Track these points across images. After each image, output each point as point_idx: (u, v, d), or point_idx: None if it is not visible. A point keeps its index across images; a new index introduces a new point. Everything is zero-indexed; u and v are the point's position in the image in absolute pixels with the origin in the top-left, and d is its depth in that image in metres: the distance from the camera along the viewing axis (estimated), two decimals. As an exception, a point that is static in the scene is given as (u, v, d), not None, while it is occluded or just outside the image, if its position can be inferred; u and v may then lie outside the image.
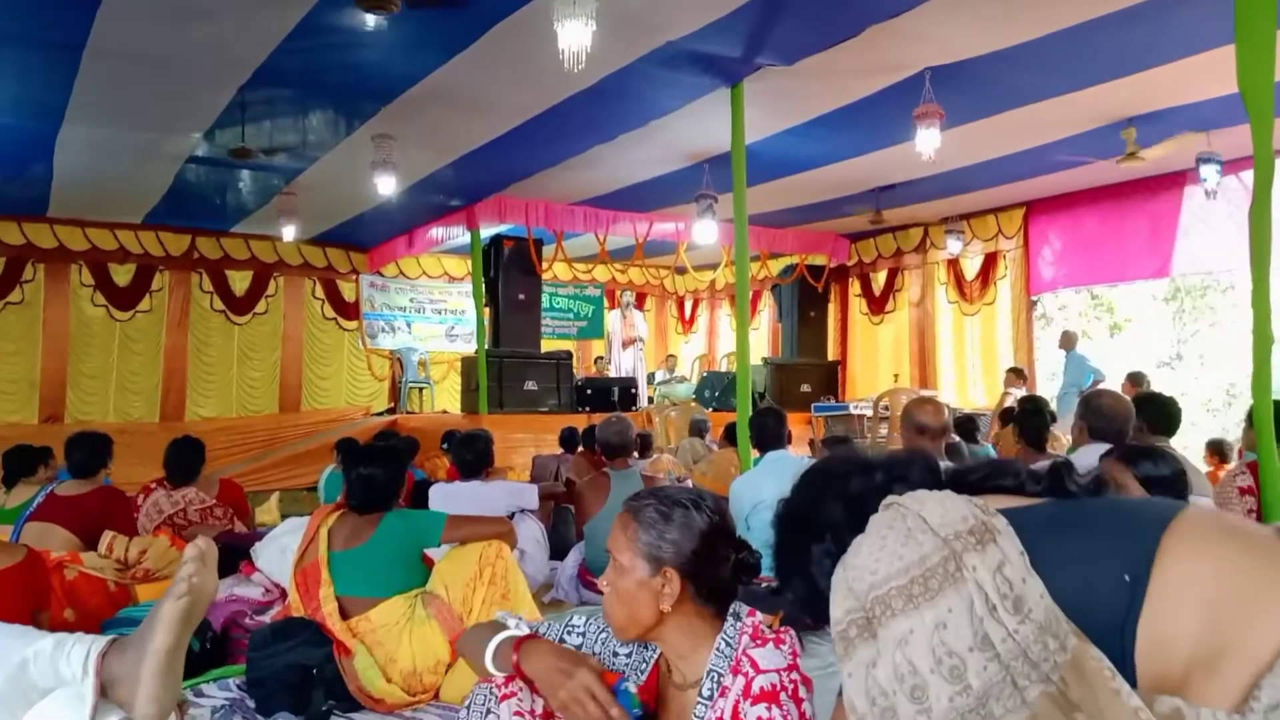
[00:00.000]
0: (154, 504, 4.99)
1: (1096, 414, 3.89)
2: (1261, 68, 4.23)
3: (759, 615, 1.77)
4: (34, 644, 1.80)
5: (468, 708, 1.83)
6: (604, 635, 1.92)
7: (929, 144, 6.97)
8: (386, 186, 8.61)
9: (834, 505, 1.36)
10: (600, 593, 1.87)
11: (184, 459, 5.11)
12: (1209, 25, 5.87)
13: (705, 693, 1.68)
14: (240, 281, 13.38)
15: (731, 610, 1.78)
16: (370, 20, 5.78)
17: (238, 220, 12.13)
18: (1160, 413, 4.29)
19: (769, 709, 1.59)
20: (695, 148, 8.89)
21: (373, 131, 8.16)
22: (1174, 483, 2.55)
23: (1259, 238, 4.21)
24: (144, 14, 5.76)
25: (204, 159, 9.06)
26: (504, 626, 1.92)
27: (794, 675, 1.66)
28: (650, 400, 13.61)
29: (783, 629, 1.76)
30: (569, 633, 1.94)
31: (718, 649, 1.72)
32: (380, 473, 3.29)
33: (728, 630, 1.74)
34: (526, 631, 1.89)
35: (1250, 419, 4.43)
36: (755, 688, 1.62)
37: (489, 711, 1.80)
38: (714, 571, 1.77)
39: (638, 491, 1.90)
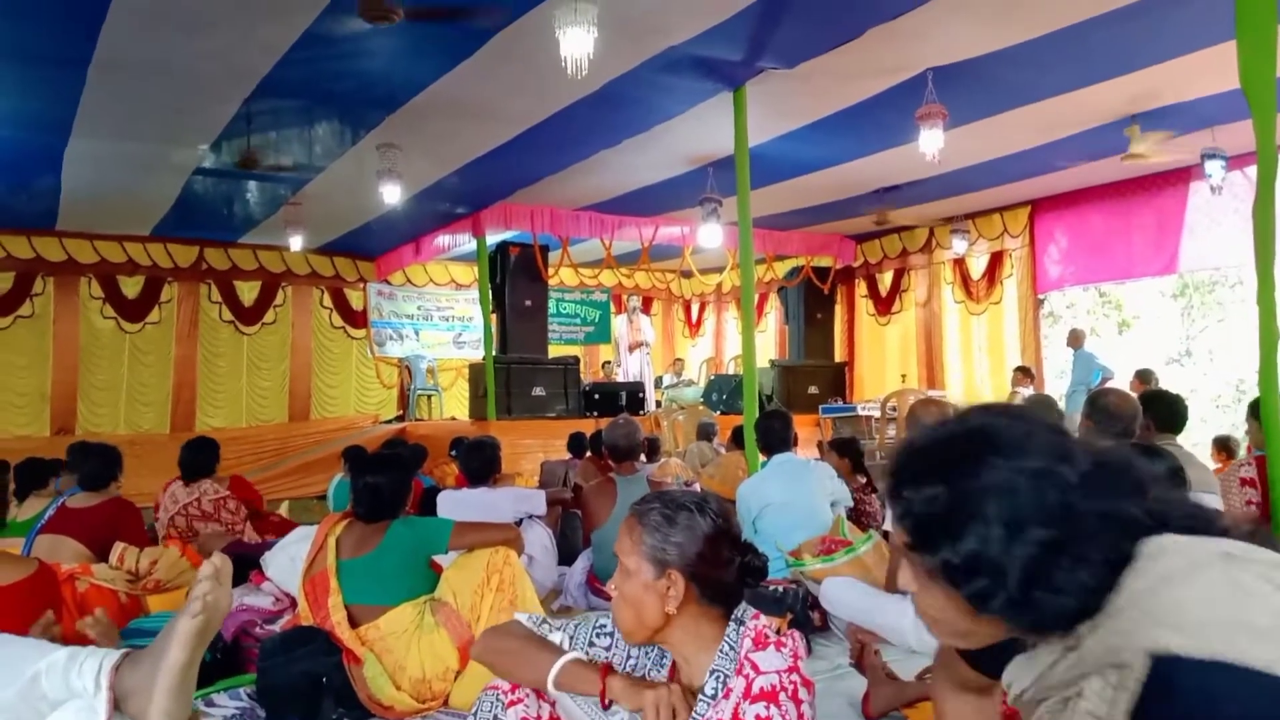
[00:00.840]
0: (171, 495, 5.38)
1: (1102, 413, 3.88)
2: (1263, 63, 4.22)
3: (763, 619, 1.78)
4: (47, 657, 1.82)
5: (474, 714, 1.85)
6: None
7: (932, 144, 6.97)
8: (392, 195, 8.64)
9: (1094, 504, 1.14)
10: (608, 599, 1.88)
11: (198, 458, 5.47)
12: (1210, 21, 5.86)
13: (709, 691, 1.70)
14: (248, 292, 13.45)
15: (735, 615, 1.79)
16: (373, 30, 5.80)
17: (245, 231, 12.20)
18: (1167, 410, 4.27)
19: (768, 708, 1.61)
20: (699, 151, 8.90)
21: (378, 141, 8.20)
22: (1169, 480, 2.53)
23: (1263, 234, 4.20)
24: (149, 27, 5.80)
25: (211, 170, 9.12)
26: (537, 635, 1.95)
27: (794, 677, 1.67)
28: (658, 404, 13.62)
29: (788, 632, 1.77)
30: (599, 634, 1.96)
31: (721, 651, 1.73)
32: (386, 481, 3.30)
33: (730, 634, 1.75)
34: (561, 638, 1.92)
35: (1254, 415, 4.41)
36: (755, 688, 1.64)
37: (496, 718, 1.82)
38: (718, 574, 1.78)
39: (643, 495, 1.91)
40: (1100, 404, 3.95)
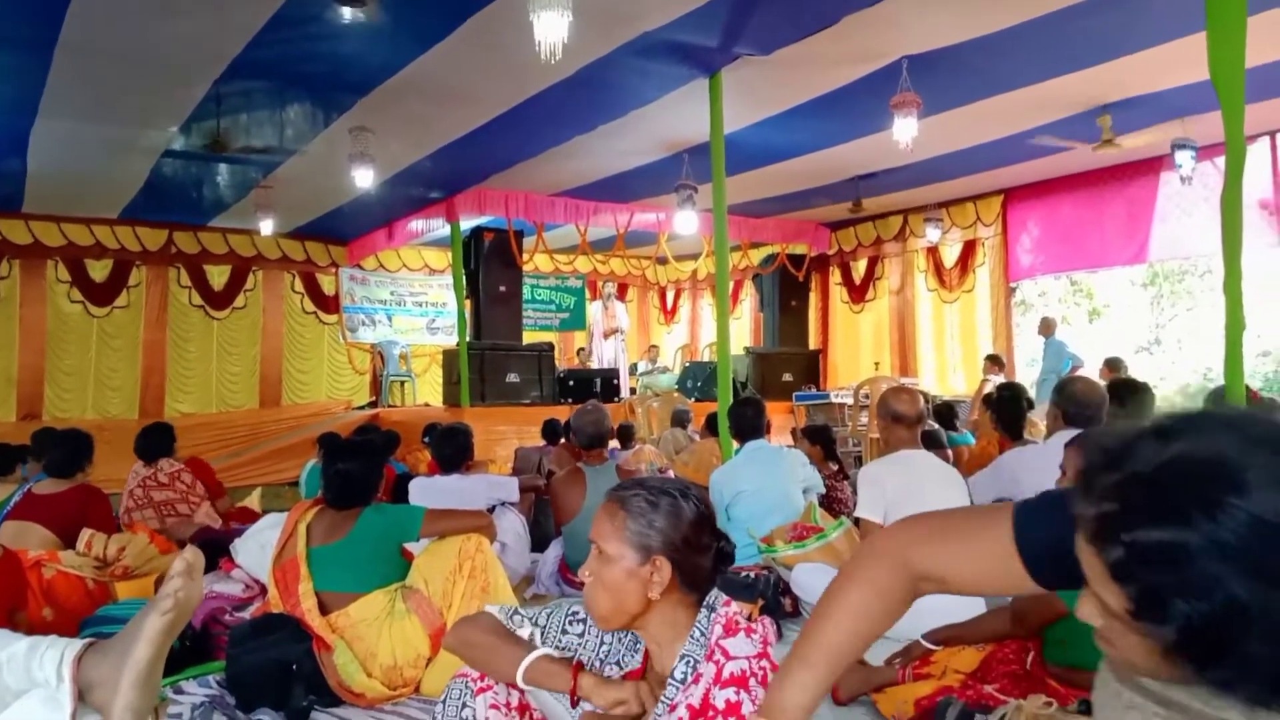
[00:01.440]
0: (134, 473, 5.61)
1: (1070, 400, 3.93)
2: (1232, 55, 4.27)
3: (734, 606, 1.79)
4: (7, 648, 1.81)
5: (444, 702, 1.85)
6: None
7: (906, 132, 7.00)
8: (364, 179, 8.58)
9: None
10: (580, 588, 1.88)
11: (153, 442, 5.65)
12: (1181, 13, 5.91)
13: (678, 675, 1.70)
14: (219, 276, 13.32)
15: (707, 602, 1.80)
16: (345, 12, 5.75)
17: (215, 214, 12.07)
18: (1134, 398, 4.33)
19: (737, 693, 1.62)
20: (674, 138, 8.89)
21: (350, 124, 8.13)
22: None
23: (1230, 223, 4.26)
24: (116, 7, 5.72)
25: (180, 153, 9.01)
26: (506, 630, 1.94)
27: (764, 663, 1.68)
28: (632, 391, 13.62)
29: (758, 619, 1.77)
30: (570, 621, 1.96)
31: (691, 636, 1.74)
32: (357, 468, 3.29)
33: (701, 620, 1.76)
34: (531, 631, 1.92)
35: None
36: (725, 673, 1.64)
37: (465, 705, 1.82)
38: (699, 560, 1.79)
39: (622, 481, 1.91)
40: (1068, 392, 4.00)
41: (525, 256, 11.94)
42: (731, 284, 14.10)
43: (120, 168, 9.53)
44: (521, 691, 1.87)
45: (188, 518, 5.44)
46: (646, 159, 9.66)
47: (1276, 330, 15.26)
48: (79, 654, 1.78)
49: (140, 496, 5.47)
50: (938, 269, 12.68)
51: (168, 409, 12.59)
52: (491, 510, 4.83)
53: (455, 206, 10.77)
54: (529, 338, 12.87)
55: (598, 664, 1.92)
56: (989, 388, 9.13)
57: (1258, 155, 8.84)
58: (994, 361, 10.62)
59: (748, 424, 5.02)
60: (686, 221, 10.20)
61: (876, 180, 10.68)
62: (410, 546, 3.46)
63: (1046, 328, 10.86)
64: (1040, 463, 3.68)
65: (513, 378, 11.35)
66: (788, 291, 13.75)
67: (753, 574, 4.26)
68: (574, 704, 1.81)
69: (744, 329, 15.80)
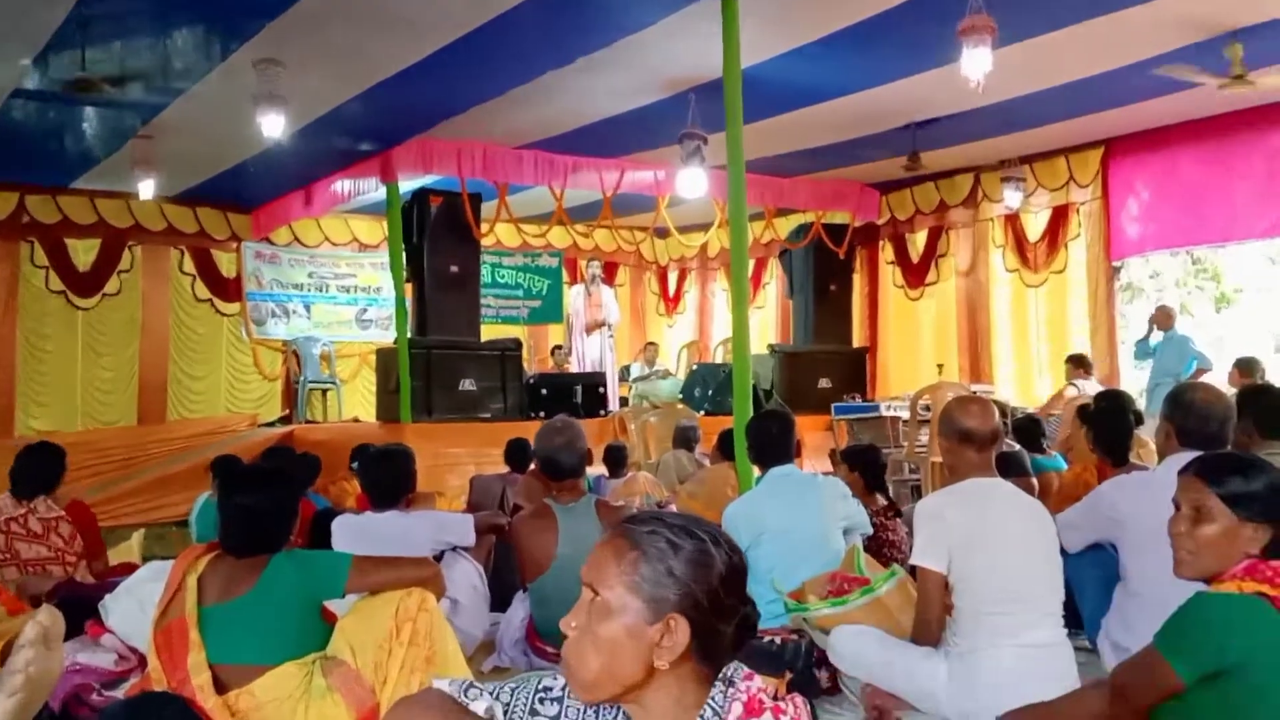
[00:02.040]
0: None
1: (1186, 413, 3.92)
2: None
3: (758, 680, 1.79)
4: None
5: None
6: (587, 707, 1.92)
7: (978, 66, 7.02)
8: (274, 127, 8.60)
9: None
10: (556, 661, 1.89)
11: (36, 469, 5.49)
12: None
13: None
14: (85, 253, 13.34)
15: (723, 675, 1.79)
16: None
17: (80, 173, 12.11)
18: (1272, 411, 4.34)
19: (765, 788, 1.62)
20: (678, 73, 8.92)
21: (255, 55, 8.14)
22: (1271, 502, 2.55)
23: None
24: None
25: (33, 93, 9.04)
26: (460, 707, 1.93)
27: (795, 752, 1.69)
28: (624, 401, 13.64)
29: (787, 697, 1.78)
30: (542, 699, 1.94)
31: (703, 717, 1.74)
32: (263, 502, 3.29)
33: (715, 698, 1.75)
34: (491, 708, 1.90)
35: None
36: (749, 766, 1.64)
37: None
38: (722, 626, 1.76)
39: (636, 514, 1.90)
40: (1184, 401, 3.98)
41: (484, 227, 11.97)
42: (752, 263, 14.14)
43: (-44, 113, 9.56)
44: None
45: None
46: (641, 101, 9.70)
47: None
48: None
49: (2, 547, 5.30)
50: (1019, 243, 12.71)
51: (19, 426, 12.59)
52: (439, 558, 4.84)
53: (392, 162, 10.79)
54: (489, 333, 12.91)
55: None
56: (1071, 392, 9.16)
57: None
58: (1078, 363, 10.64)
59: (772, 444, 5.02)
60: (693, 182, 10.23)
61: (939, 128, 10.71)
62: (333, 605, 3.47)
63: (1164, 319, 10.88)
64: (1147, 495, 3.67)
65: (468, 385, 11.37)
66: (824, 273, 13.77)
67: (779, 639, 4.27)
68: None
69: (768, 321, 15.87)
